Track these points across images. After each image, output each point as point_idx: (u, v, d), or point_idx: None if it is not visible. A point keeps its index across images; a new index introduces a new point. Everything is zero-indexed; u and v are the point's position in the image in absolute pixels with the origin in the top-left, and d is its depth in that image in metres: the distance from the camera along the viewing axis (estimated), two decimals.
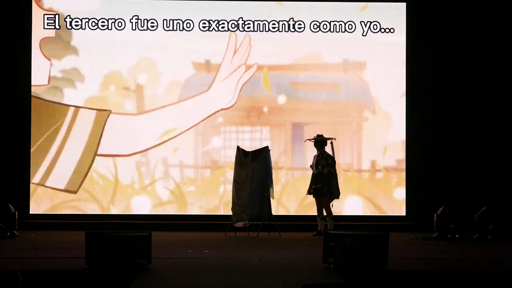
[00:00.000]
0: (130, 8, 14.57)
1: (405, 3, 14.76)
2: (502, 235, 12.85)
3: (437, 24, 14.70)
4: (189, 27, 14.57)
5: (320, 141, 13.45)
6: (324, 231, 10.34)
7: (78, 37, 14.52)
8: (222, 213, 14.38)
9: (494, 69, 14.66)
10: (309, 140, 13.70)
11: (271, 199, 13.50)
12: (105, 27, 14.53)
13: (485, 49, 14.64)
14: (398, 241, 11.70)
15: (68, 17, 14.49)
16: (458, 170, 14.58)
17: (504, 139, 14.62)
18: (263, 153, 13.59)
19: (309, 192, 13.52)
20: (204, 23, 14.58)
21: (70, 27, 14.49)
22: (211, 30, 14.59)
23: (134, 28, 14.54)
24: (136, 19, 14.54)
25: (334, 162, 13.36)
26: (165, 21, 14.56)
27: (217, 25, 14.60)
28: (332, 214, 13.34)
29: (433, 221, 13.17)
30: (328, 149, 13.45)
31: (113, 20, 14.54)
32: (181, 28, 14.57)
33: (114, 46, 14.57)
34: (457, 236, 12.92)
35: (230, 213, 13.61)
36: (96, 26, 14.52)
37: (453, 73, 14.69)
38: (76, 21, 14.50)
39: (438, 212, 13.19)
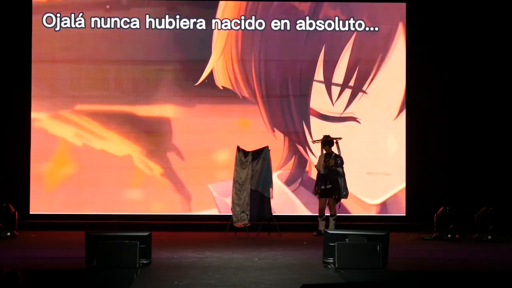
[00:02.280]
0: None
1: (405, 3, 14.76)
2: (502, 235, 12.86)
3: (437, 24, 14.69)
4: None
5: (329, 142, 13.43)
6: (324, 231, 10.33)
7: None
8: (222, 213, 14.38)
9: (495, 69, 14.65)
10: (317, 141, 13.66)
11: (271, 199, 13.51)
12: None
13: (485, 49, 14.63)
14: (398, 241, 11.70)
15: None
16: (458, 170, 14.58)
17: (504, 139, 14.62)
18: (263, 153, 13.60)
19: (315, 193, 13.49)
20: None
21: None
22: None
23: None
24: None
25: (342, 162, 13.36)
26: None
27: None
28: (336, 215, 13.34)
29: (433, 221, 13.18)
30: (333, 148, 13.43)
31: None
32: None
33: None
34: (457, 236, 12.92)
35: (230, 213, 13.61)
36: None
37: (453, 73, 14.68)
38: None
39: (438, 212, 13.20)
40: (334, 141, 13.45)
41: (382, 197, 14.67)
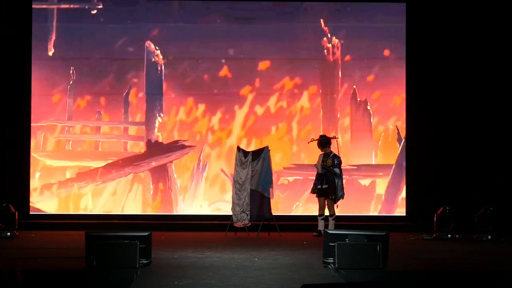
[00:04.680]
0: None
1: (405, 3, 14.76)
2: (502, 235, 12.86)
3: (437, 24, 14.69)
4: None
5: (323, 142, 13.41)
6: (324, 231, 10.33)
7: None
8: (222, 213, 14.38)
9: (495, 69, 14.64)
10: (312, 140, 13.64)
11: (271, 199, 13.51)
12: None
13: (485, 49, 14.62)
14: (398, 241, 11.70)
15: None
16: (458, 170, 14.58)
17: (504, 139, 14.61)
18: (263, 153, 13.60)
19: (313, 191, 13.48)
20: None
21: None
22: None
23: None
24: None
25: (340, 162, 13.33)
26: None
27: None
28: (335, 215, 13.34)
29: (433, 221, 13.18)
30: (333, 147, 13.40)
31: None
32: None
33: None
34: (457, 236, 12.92)
35: (230, 213, 13.61)
36: None
37: (453, 72, 14.67)
38: None
39: (438, 212, 13.20)
40: (335, 140, 13.43)
41: (381, 198, 14.66)
